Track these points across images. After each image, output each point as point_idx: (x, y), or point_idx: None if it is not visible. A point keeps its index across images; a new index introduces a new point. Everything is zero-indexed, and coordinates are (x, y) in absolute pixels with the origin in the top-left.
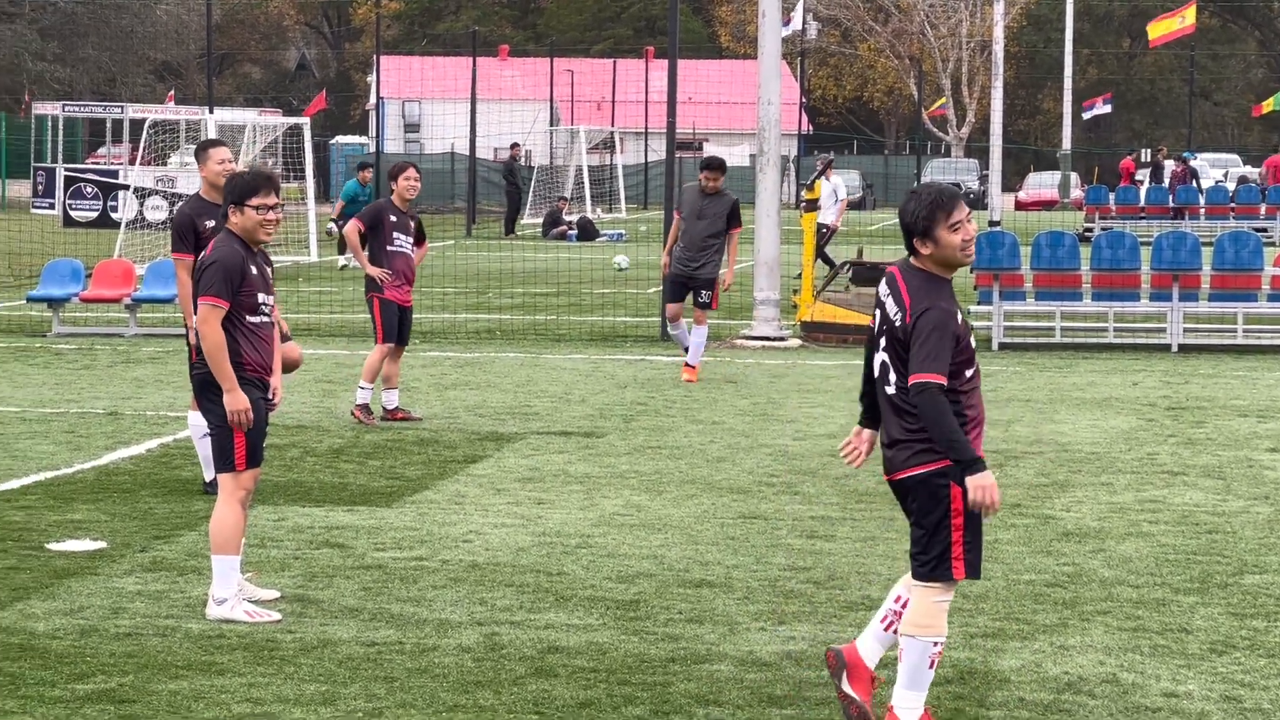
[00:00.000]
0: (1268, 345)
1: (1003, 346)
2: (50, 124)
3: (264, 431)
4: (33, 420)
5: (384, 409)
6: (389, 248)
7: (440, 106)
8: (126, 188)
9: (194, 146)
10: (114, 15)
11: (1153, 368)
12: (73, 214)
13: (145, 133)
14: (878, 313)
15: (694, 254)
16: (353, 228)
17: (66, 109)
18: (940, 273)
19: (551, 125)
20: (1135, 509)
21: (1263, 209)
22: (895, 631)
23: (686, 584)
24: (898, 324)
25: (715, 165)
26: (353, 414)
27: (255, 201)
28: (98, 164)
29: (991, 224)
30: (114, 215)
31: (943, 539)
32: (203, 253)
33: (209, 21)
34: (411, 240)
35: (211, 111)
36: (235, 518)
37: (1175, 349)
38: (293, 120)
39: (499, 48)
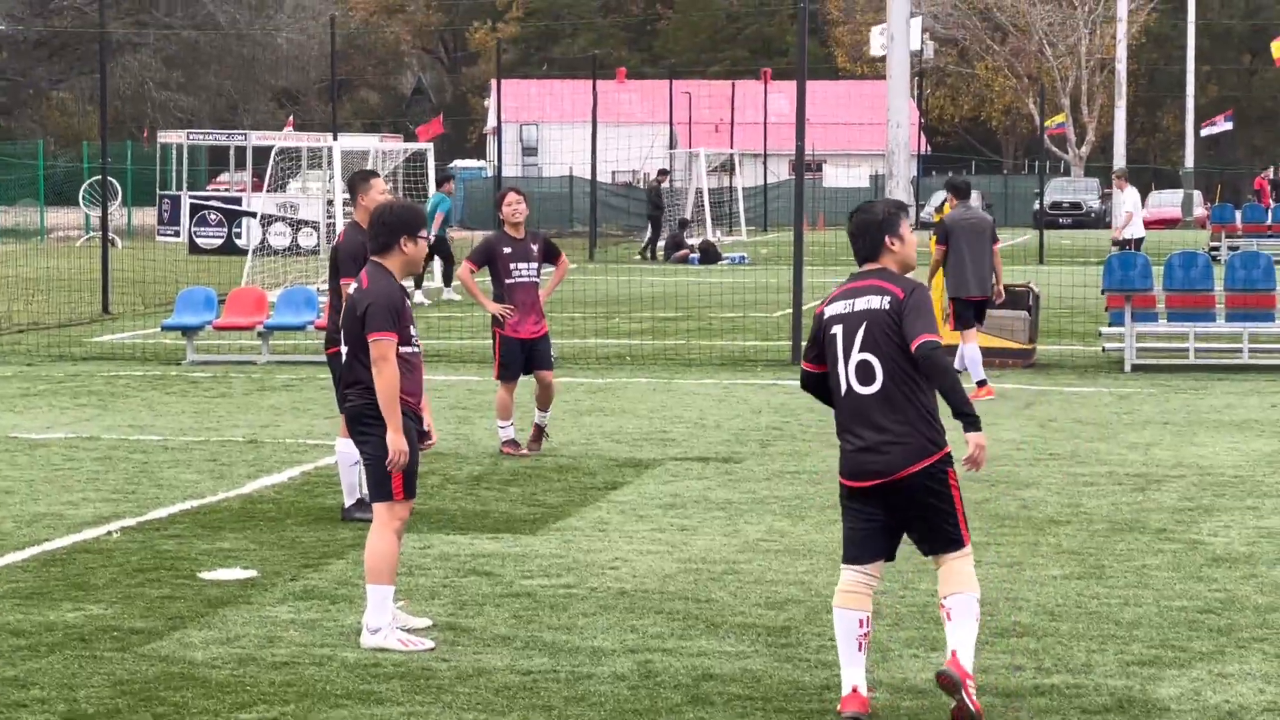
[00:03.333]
0: None
1: (1136, 368)
2: (175, 152)
3: (418, 461)
4: (175, 449)
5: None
6: (507, 281)
7: (557, 130)
8: (252, 214)
9: (314, 173)
10: (236, 44)
11: None
12: (198, 241)
13: (272, 160)
14: (839, 327)
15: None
16: (465, 270)
17: (191, 137)
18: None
19: (670, 148)
20: None
21: None
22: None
23: None
24: (887, 308)
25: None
26: (502, 451)
27: (424, 234)
28: (217, 190)
29: (1115, 244)
30: (238, 242)
31: (950, 512)
32: (353, 289)
33: (333, 49)
34: (536, 266)
35: (336, 138)
36: (391, 547)
37: None
38: (416, 146)
39: (616, 70)
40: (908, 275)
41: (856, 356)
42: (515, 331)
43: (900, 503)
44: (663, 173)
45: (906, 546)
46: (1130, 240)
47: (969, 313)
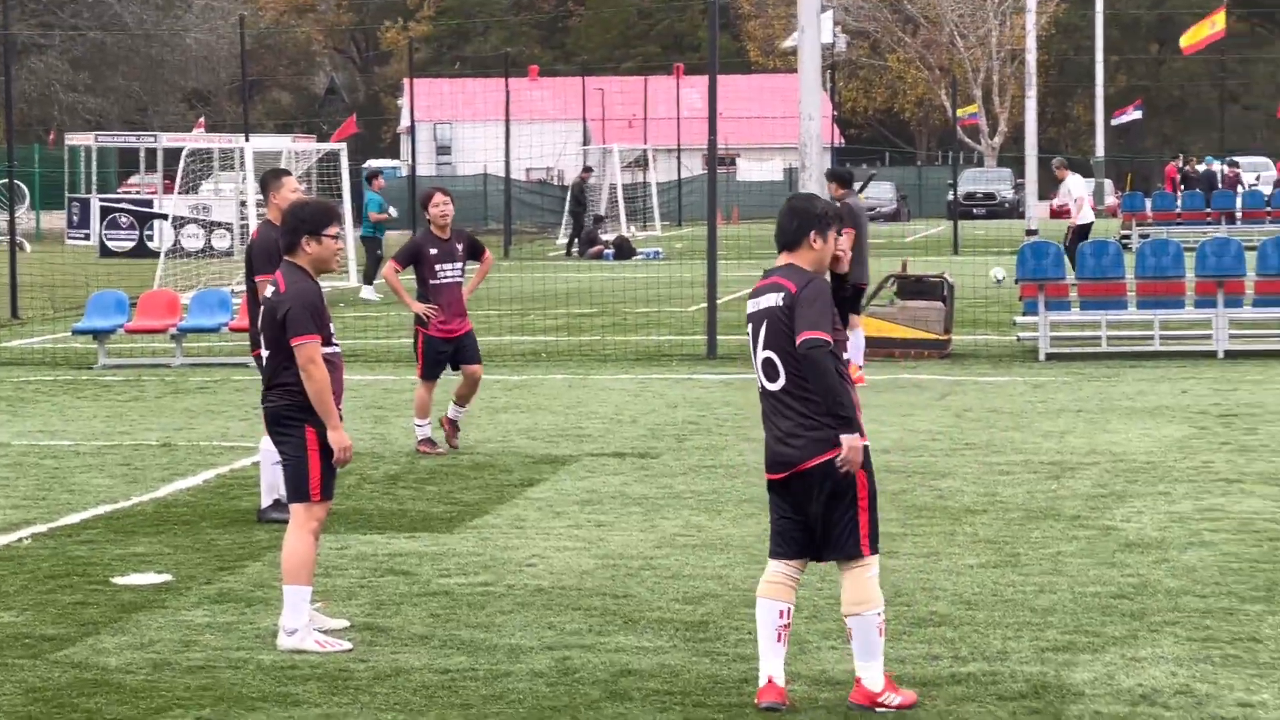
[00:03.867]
0: None
1: (1050, 357)
2: (83, 154)
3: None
4: (87, 453)
5: (445, 418)
6: (432, 281)
7: (471, 129)
8: (163, 217)
9: (227, 174)
10: (144, 44)
11: (1200, 375)
12: (109, 244)
13: (183, 161)
14: (751, 325)
15: None
16: (390, 270)
17: (100, 139)
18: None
19: (584, 144)
20: (1195, 518)
21: None
22: (784, 641)
23: (753, 604)
24: (781, 304)
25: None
26: (418, 450)
27: (332, 231)
28: (128, 193)
29: (1029, 233)
30: (150, 244)
31: (852, 519)
32: (270, 291)
33: (243, 49)
34: (461, 265)
35: (248, 139)
36: (307, 548)
37: (1221, 355)
38: (329, 146)
39: (528, 68)
40: (813, 273)
41: (761, 354)
42: (439, 331)
43: (806, 495)
44: (587, 170)
45: None
46: (1081, 226)
47: (859, 300)
